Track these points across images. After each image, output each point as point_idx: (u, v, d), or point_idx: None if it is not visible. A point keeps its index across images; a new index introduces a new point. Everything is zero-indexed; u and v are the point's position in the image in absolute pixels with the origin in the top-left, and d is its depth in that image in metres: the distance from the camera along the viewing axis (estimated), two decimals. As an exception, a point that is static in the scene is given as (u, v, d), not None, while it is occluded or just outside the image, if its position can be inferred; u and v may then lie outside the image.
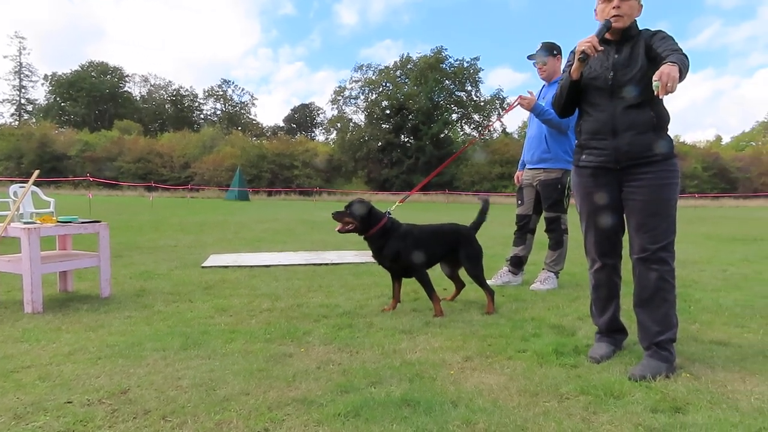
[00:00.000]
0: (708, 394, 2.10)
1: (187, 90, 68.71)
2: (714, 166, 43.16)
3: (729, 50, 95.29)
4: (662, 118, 2.40)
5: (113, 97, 63.31)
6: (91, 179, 22.50)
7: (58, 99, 62.37)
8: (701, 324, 3.20)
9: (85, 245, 4.69)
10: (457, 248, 3.60)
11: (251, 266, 5.35)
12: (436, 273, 3.76)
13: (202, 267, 5.29)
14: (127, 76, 66.26)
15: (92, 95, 61.06)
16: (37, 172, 4.31)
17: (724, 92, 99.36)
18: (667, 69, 2.03)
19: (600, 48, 2.36)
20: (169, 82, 69.68)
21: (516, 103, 4.23)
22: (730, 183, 42.91)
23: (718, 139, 58.36)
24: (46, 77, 62.46)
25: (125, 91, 65.90)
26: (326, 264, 5.60)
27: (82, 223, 3.82)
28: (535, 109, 4.16)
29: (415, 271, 3.43)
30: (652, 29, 2.42)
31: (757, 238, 9.34)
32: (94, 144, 47.24)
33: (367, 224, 3.39)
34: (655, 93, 2.05)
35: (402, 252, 3.39)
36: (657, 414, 1.91)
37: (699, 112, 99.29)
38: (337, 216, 3.42)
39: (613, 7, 2.39)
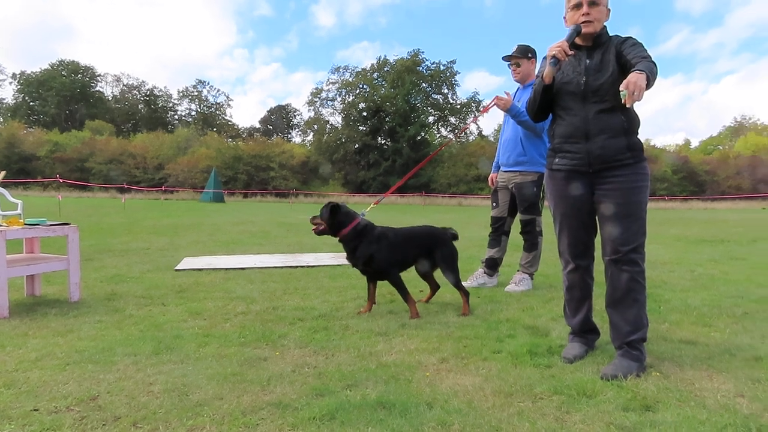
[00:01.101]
0: (677, 392, 2.15)
1: (161, 90, 67.77)
2: (683, 169, 44.24)
3: (697, 56, 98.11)
4: (633, 122, 2.45)
5: (84, 97, 61.95)
6: (60, 180, 21.91)
7: (26, 98, 60.76)
8: (670, 324, 3.27)
9: (55, 248, 4.58)
10: (432, 250, 3.60)
11: (226, 269, 5.29)
12: (412, 275, 3.77)
13: (176, 270, 5.21)
14: (99, 75, 65.01)
15: (62, 95, 59.62)
16: (3, 173, 4.20)
17: (692, 97, 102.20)
18: (634, 78, 2.08)
19: (570, 52, 2.40)
20: (143, 82, 68.56)
21: (492, 103, 4.26)
22: (698, 186, 44.04)
23: (687, 142, 59.91)
24: (14, 76, 60.89)
25: (97, 91, 64.58)
26: (302, 266, 5.56)
27: (51, 225, 3.72)
28: (511, 110, 4.19)
29: (388, 275, 3.43)
30: (623, 35, 2.48)
31: (724, 239, 9.60)
32: (65, 145, 46.21)
33: (336, 224, 3.39)
34: (622, 101, 2.10)
35: (375, 255, 3.38)
36: (628, 412, 1.95)
37: (669, 117, 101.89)
38: (313, 218, 3.48)
39: (583, 14, 2.44)
